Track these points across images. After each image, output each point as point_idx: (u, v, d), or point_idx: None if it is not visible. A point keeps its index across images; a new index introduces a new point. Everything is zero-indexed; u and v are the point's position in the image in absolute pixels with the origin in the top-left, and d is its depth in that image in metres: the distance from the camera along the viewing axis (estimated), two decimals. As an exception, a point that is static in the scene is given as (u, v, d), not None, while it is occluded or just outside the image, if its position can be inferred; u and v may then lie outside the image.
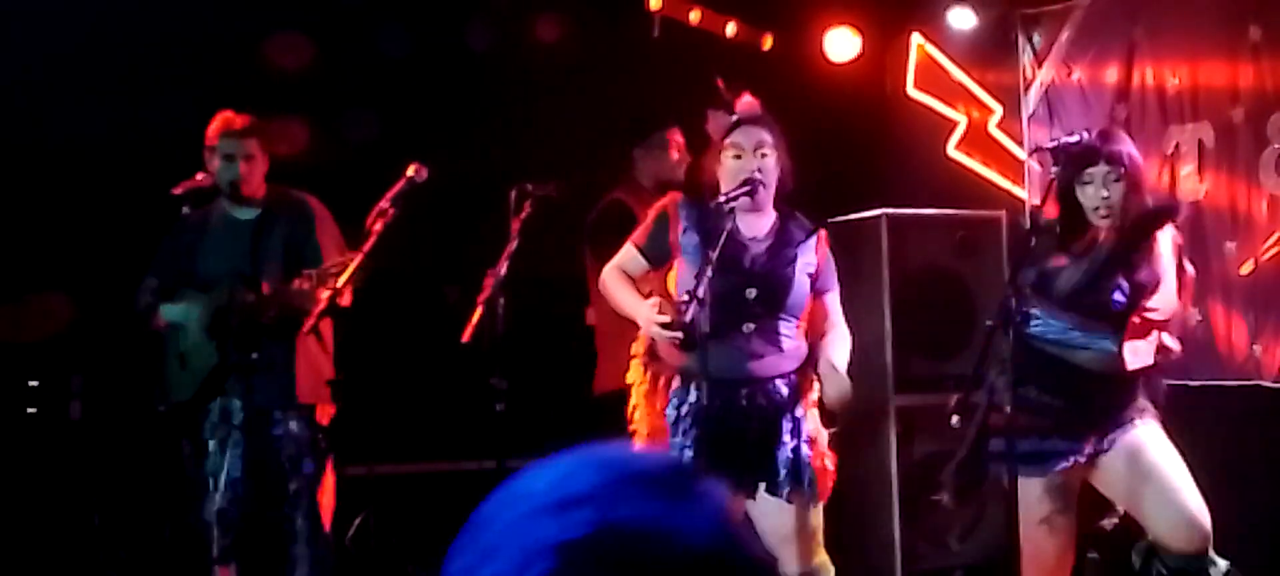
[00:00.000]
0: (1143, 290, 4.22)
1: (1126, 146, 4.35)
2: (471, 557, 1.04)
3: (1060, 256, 4.32)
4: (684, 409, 4.29)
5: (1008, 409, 4.08)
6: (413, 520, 6.25)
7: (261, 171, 5.28)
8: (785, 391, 4.27)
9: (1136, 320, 4.23)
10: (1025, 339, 4.15)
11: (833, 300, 4.42)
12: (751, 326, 4.24)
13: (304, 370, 5.20)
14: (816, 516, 4.32)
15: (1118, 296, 4.24)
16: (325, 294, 4.70)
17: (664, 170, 5.82)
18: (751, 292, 4.25)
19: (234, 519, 5.18)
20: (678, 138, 5.89)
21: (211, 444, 5.20)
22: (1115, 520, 4.79)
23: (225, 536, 5.18)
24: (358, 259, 4.73)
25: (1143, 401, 4.35)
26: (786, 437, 4.26)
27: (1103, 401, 4.30)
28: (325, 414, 5.27)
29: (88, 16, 6.20)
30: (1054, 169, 4.36)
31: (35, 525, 5.98)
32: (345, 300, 5.00)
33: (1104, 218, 4.26)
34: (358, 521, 6.13)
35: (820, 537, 4.33)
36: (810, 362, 4.31)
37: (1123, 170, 4.24)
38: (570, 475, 1.05)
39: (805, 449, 4.27)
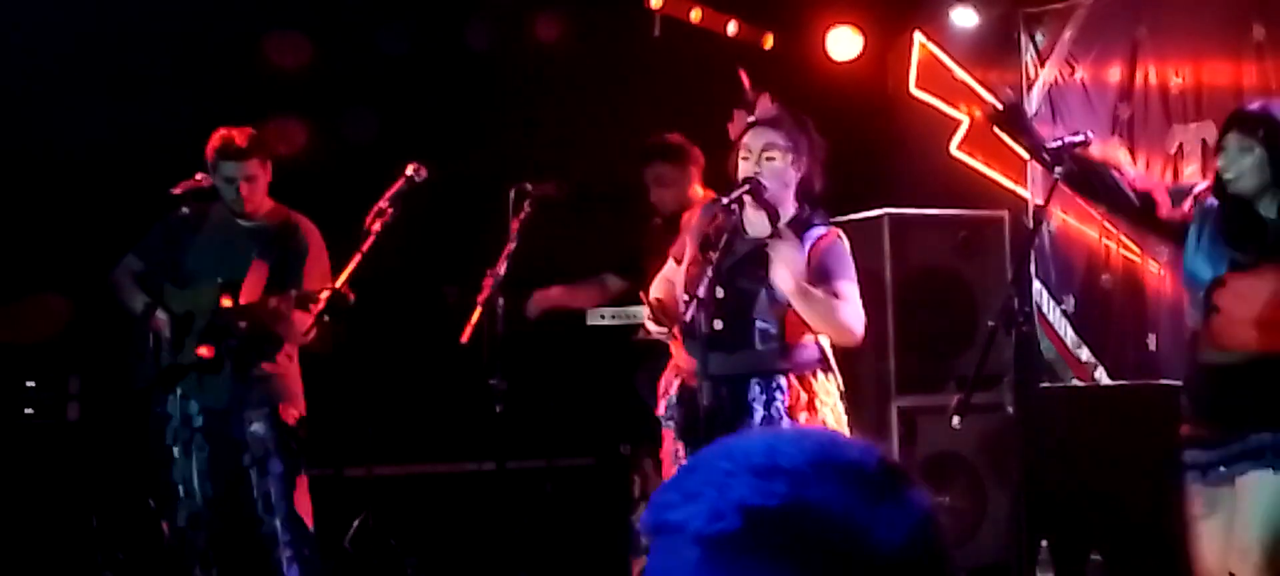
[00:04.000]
0: None
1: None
2: (675, 494, 1.09)
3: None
4: (669, 403, 4.38)
5: (1011, 409, 4.03)
6: (412, 521, 6.23)
7: (263, 187, 5.25)
8: (757, 391, 4.24)
9: None
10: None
11: (839, 286, 4.28)
12: (720, 324, 4.23)
13: (266, 373, 5.17)
14: None
15: None
16: (313, 312, 4.69)
17: (683, 195, 5.73)
18: (720, 292, 4.25)
19: (206, 522, 5.15)
20: (699, 159, 5.84)
21: (176, 450, 5.18)
22: None
23: (200, 541, 5.15)
24: (356, 259, 4.72)
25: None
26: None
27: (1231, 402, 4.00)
28: (290, 414, 5.20)
29: (88, 17, 6.18)
30: (1057, 169, 4.30)
31: (33, 527, 5.96)
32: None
33: None
34: (357, 522, 6.11)
35: None
36: (812, 365, 4.29)
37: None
38: (781, 447, 1.09)
39: None
